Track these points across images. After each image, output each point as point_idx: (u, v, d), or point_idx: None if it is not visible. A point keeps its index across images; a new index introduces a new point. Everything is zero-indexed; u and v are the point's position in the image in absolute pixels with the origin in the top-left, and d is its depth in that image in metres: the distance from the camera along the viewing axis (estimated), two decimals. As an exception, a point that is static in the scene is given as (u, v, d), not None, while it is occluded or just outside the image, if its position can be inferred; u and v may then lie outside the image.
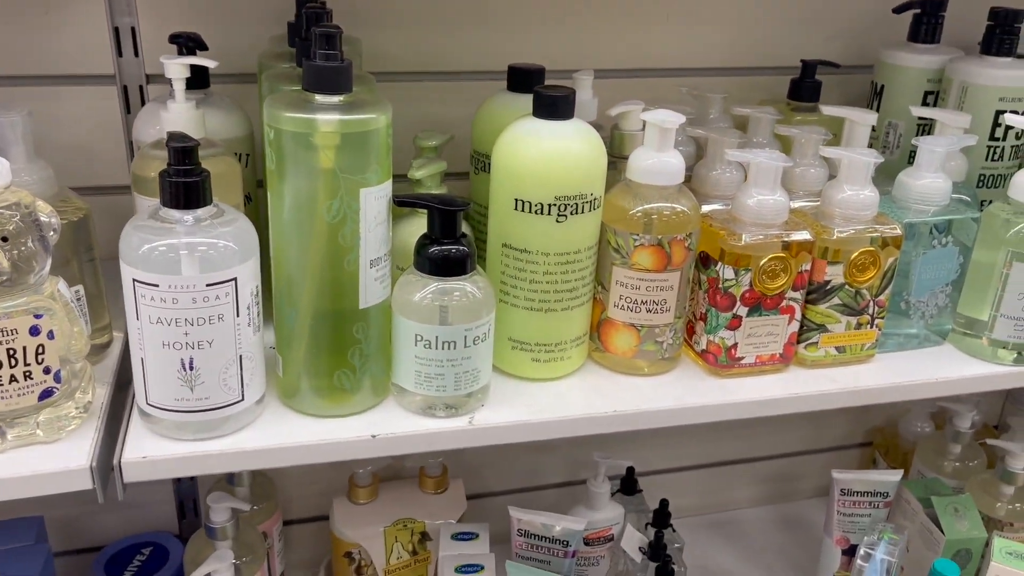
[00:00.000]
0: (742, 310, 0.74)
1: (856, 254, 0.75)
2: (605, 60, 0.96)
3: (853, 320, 0.78)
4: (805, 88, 0.93)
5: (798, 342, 0.78)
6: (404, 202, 0.66)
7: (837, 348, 0.79)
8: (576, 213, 0.68)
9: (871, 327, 0.79)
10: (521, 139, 0.68)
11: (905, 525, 1.05)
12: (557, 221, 0.67)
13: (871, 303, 0.78)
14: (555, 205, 0.67)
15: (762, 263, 0.73)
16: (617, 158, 0.79)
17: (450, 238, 0.65)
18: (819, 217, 0.77)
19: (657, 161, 0.71)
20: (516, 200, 0.68)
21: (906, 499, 1.07)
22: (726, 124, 0.90)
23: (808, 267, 0.75)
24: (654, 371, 0.76)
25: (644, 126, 0.73)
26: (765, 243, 0.72)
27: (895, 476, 1.05)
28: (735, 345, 0.75)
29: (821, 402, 0.76)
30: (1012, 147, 0.89)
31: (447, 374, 0.66)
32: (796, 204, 0.79)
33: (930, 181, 0.79)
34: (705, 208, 0.77)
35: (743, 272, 0.72)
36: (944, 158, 0.79)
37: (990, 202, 0.86)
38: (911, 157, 0.96)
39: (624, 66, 0.97)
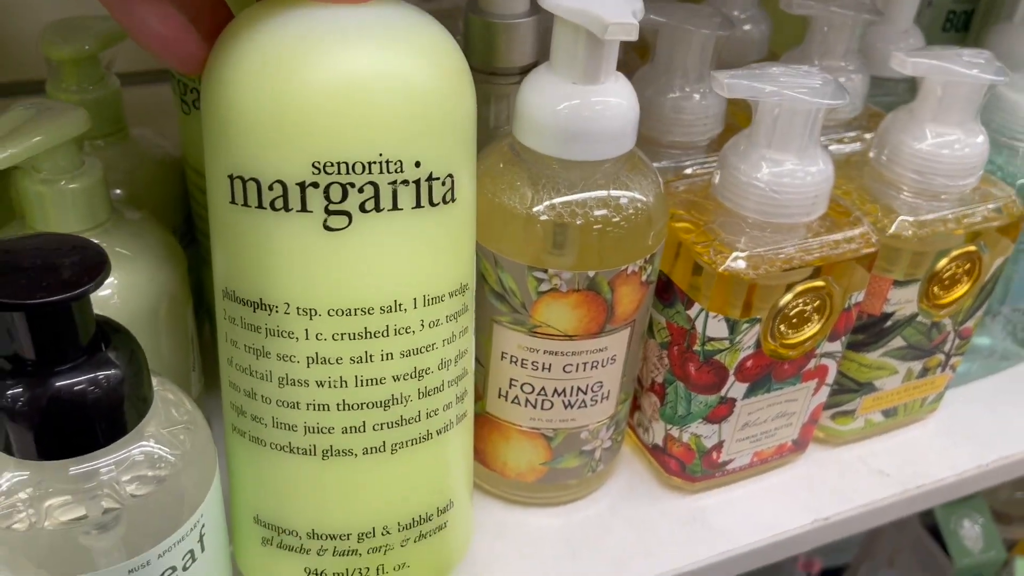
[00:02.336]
0: (737, 389, 0.38)
1: (944, 262, 0.40)
2: None
3: (917, 366, 0.43)
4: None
5: (824, 409, 0.43)
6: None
7: (885, 412, 0.45)
8: (380, 208, 0.27)
9: (943, 370, 0.45)
10: (251, 41, 0.26)
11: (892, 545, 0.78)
12: (327, 227, 0.27)
13: (951, 335, 0.43)
14: (317, 186, 0.26)
15: (784, 304, 0.36)
16: (485, 74, 0.38)
17: (54, 359, 0.25)
18: (869, 183, 0.41)
19: (585, 108, 0.31)
20: (231, 179, 0.27)
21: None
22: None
23: (861, 297, 0.39)
24: (575, 498, 0.41)
25: (539, 9, 0.32)
26: (789, 265, 0.35)
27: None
28: (718, 446, 0.40)
29: (863, 522, 0.43)
30: None
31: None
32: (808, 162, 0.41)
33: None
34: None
35: (745, 326, 0.36)
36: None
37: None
38: (948, 22, 0.59)
39: None
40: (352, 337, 0.28)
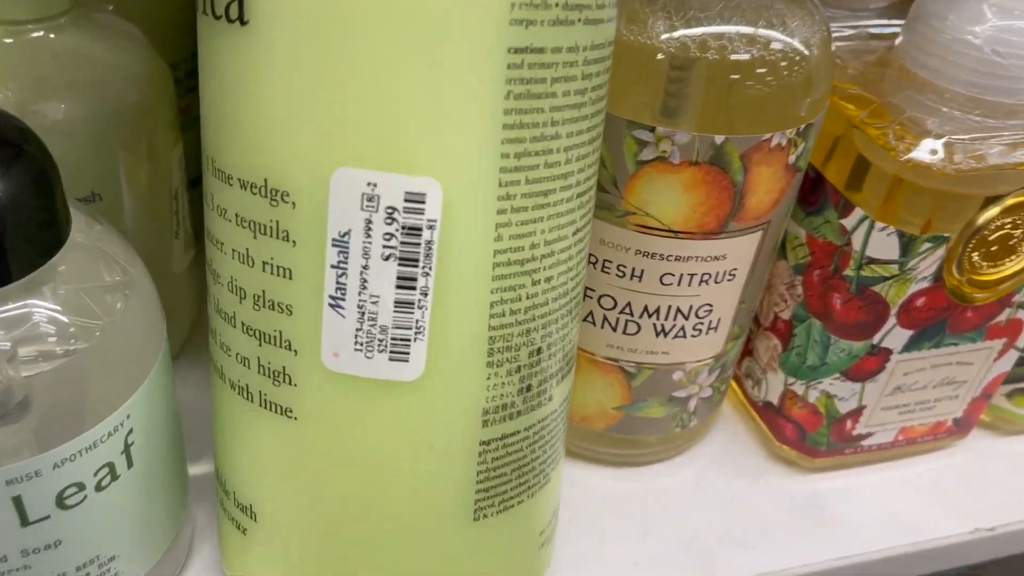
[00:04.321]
0: (896, 336, 0.28)
1: None
2: None
3: None
4: None
5: (1003, 383, 0.33)
6: None
7: (1081, 395, 0.33)
8: None
9: None
10: None
11: None
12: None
13: None
14: None
15: (984, 221, 0.25)
16: None
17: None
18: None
19: None
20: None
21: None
22: None
23: (1092, 226, 0.28)
24: (654, 458, 0.31)
25: None
26: (1001, 164, 0.25)
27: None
28: (856, 412, 0.30)
29: (1038, 537, 0.32)
30: None
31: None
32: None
33: None
34: (837, 36, 0.28)
35: (926, 246, 0.25)
36: None
37: None
38: None
39: None
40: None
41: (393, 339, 0.18)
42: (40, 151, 0.18)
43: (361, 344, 0.18)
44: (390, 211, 0.17)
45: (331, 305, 0.18)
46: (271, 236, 0.18)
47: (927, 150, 0.24)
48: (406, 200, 0.17)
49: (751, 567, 0.29)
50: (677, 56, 0.22)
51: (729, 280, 0.25)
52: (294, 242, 0.18)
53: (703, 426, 0.31)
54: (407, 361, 0.18)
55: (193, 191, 0.28)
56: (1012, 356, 0.30)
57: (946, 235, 0.25)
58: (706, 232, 0.24)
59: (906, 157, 0.24)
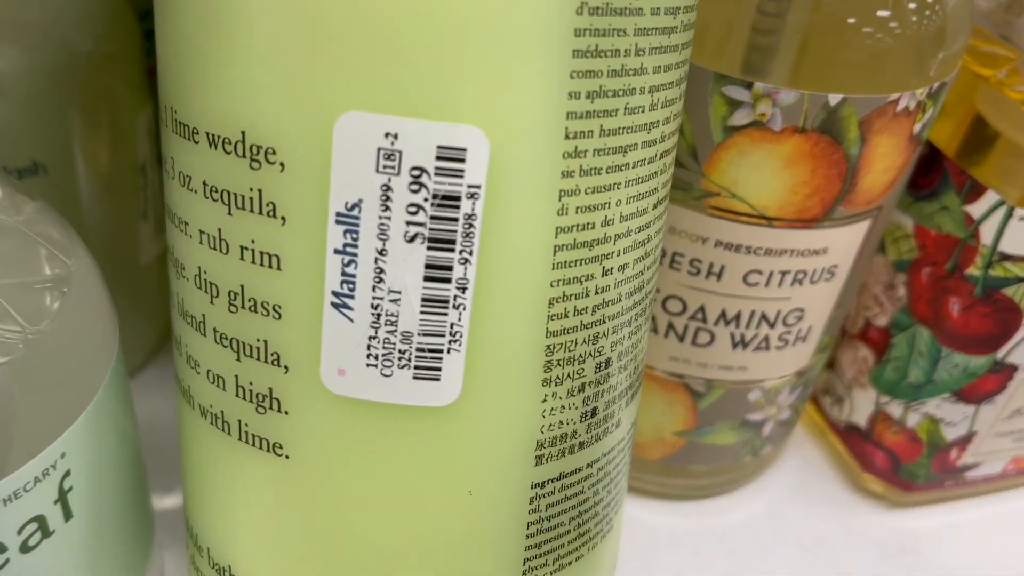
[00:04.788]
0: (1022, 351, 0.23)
1: None
2: None
3: None
4: None
5: (1121, 406, 0.28)
6: None
7: None
8: None
9: None
10: None
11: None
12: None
13: None
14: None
15: None
16: None
17: None
18: None
19: None
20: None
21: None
22: None
23: None
24: (719, 489, 0.26)
25: None
26: None
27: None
28: (964, 440, 0.25)
29: None
30: None
31: None
32: None
33: None
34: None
35: (1073, 238, 0.20)
36: None
37: None
38: None
39: None
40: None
41: (419, 350, 0.13)
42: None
43: (376, 357, 0.13)
44: (416, 173, 0.12)
45: (334, 304, 0.13)
46: (252, 210, 0.13)
47: (1080, 117, 0.19)
48: (439, 158, 0.12)
49: (837, 625, 0.24)
50: (782, -10, 0.17)
51: (827, 279, 0.21)
52: (283, 218, 0.13)
53: (775, 453, 0.26)
54: (438, 380, 0.14)
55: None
56: None
57: (1101, 224, 0.20)
58: (807, 219, 0.19)
59: (1058, 125, 0.19)
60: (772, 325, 0.21)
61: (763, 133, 0.18)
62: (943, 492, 0.26)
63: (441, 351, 0.13)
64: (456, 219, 0.12)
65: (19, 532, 0.15)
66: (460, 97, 0.12)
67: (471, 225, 0.13)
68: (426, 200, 0.12)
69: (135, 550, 0.18)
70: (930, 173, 0.22)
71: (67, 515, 0.16)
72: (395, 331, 0.13)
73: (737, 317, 0.21)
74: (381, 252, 0.13)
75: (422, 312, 0.13)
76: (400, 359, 0.13)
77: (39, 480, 0.15)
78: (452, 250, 0.13)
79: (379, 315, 0.13)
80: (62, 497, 0.15)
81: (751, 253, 0.20)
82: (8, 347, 0.14)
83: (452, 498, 0.15)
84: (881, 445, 0.25)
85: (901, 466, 0.25)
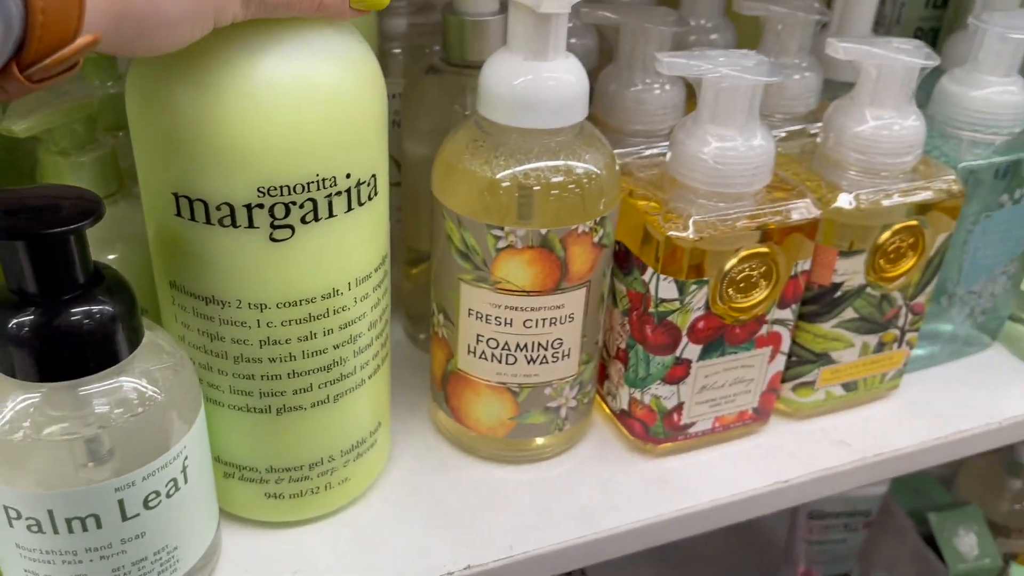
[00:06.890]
0: (691, 350, 0.41)
1: (887, 235, 0.42)
2: None
3: (872, 340, 0.46)
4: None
5: (783, 382, 0.46)
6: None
7: (845, 386, 0.47)
8: (319, 218, 0.31)
9: (899, 346, 0.47)
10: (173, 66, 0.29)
11: (892, 552, 0.78)
12: (273, 239, 0.31)
13: (903, 310, 0.46)
14: (262, 207, 0.30)
15: (729, 267, 0.39)
16: (460, 67, 0.43)
17: (59, 291, 0.29)
18: (818, 167, 0.44)
19: (537, 81, 0.35)
20: (176, 197, 0.31)
21: (892, 514, 0.79)
22: (647, -5, 0.54)
23: (807, 265, 0.42)
24: (543, 455, 0.43)
25: (507, 7, 0.36)
26: (732, 231, 0.39)
27: (879, 488, 0.77)
28: (679, 407, 0.43)
29: (824, 487, 0.45)
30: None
31: (92, 574, 0.31)
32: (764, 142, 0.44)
33: (999, 92, 0.45)
34: (619, 156, 0.42)
35: (693, 287, 0.39)
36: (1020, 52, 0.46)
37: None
38: (915, 37, 0.63)
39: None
40: (298, 322, 0.33)
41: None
42: (125, 281, 0.30)
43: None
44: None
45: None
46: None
47: (686, 229, 0.38)
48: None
49: (621, 522, 0.41)
50: (514, 184, 0.35)
51: (569, 322, 0.39)
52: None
53: (577, 430, 0.44)
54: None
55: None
56: (781, 359, 0.44)
57: (706, 279, 0.39)
58: (547, 289, 0.37)
59: (670, 233, 0.38)
60: (546, 349, 0.39)
61: (514, 250, 0.36)
62: (678, 444, 0.44)
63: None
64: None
65: (166, 485, 0.31)
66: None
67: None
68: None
69: (212, 508, 0.35)
70: (627, 262, 0.41)
71: (185, 480, 0.32)
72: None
73: (526, 346, 0.39)
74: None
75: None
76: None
77: (175, 459, 0.31)
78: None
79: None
80: (184, 470, 0.32)
81: (523, 310, 0.38)
82: (158, 396, 0.31)
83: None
84: (636, 418, 0.43)
85: (649, 429, 0.43)
